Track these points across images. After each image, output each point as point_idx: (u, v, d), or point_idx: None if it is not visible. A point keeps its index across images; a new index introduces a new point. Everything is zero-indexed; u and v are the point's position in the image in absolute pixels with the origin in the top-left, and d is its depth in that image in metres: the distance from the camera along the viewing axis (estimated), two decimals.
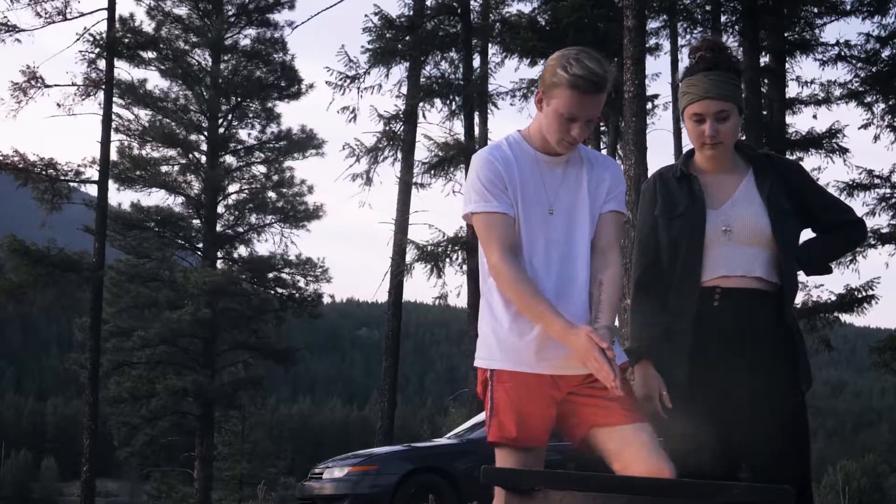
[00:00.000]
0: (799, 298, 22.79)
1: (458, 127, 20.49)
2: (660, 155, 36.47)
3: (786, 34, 22.63)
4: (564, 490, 2.22)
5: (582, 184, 3.01)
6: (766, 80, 22.33)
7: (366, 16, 20.47)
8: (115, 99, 23.14)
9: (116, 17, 22.99)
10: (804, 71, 40.71)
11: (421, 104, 20.58)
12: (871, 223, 25.25)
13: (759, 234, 3.21)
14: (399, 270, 20.29)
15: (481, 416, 12.02)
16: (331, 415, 49.86)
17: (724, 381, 3.13)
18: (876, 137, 24.22)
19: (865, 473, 63.16)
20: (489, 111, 20.19)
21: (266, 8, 23.91)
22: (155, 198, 24.30)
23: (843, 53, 23.30)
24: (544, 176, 2.97)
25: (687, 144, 3.45)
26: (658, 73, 22.96)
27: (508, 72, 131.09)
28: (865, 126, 24.22)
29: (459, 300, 20.94)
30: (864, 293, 22.42)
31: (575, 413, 2.95)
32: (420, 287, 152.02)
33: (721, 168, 3.32)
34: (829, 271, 3.54)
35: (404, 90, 20.77)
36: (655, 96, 21.83)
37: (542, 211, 2.94)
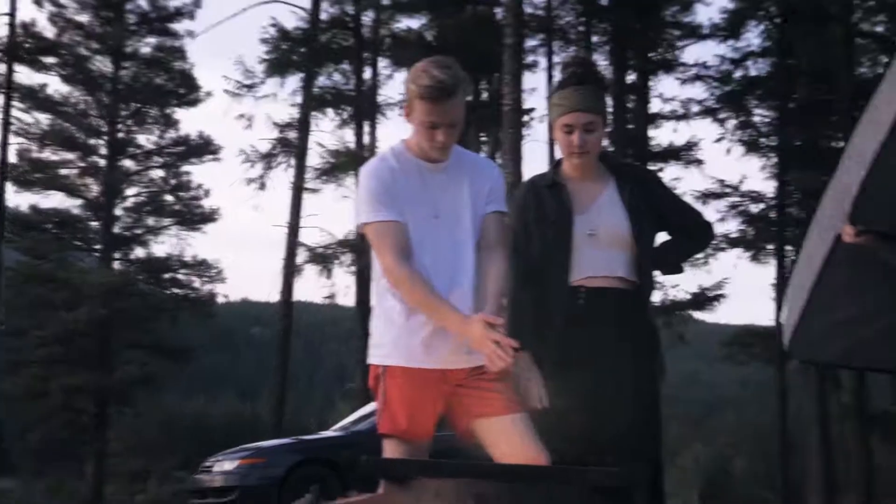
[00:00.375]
0: (657, 297, 23.98)
1: (349, 135, 20.88)
2: (535, 164, 37.36)
3: (650, 55, 23.58)
4: (439, 478, 2.20)
5: (463, 188, 3.02)
6: (631, 97, 23.30)
7: (263, 27, 20.74)
8: (14, 103, 22.73)
9: (18, 22, 22.55)
10: (666, 89, 41.50)
11: (314, 113, 20.86)
12: (721, 228, 26.42)
13: (621, 237, 3.29)
14: (290, 271, 20.54)
15: (366, 409, 12.25)
16: (224, 410, 49.06)
17: (589, 374, 3.19)
18: (728, 150, 25.22)
19: (714, 456, 65.83)
20: (379, 121, 20.59)
21: (167, 17, 23.68)
22: (53, 200, 23.86)
23: (700, 73, 24.31)
24: (427, 183, 2.99)
25: (559, 154, 3.56)
26: (534, 88, 23.39)
27: (397, 84, 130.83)
28: (719, 140, 25.21)
29: (348, 300, 21.22)
30: (714, 292, 23.92)
31: (461, 404, 2.99)
32: (310, 287, 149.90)
33: (587, 176, 3.38)
34: (682, 271, 3.71)
35: (299, 99, 20.94)
36: (532, 109, 22.23)
37: (427, 216, 2.96)
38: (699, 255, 24.49)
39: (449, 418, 3.04)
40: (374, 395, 3.01)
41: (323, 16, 20.73)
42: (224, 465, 11.29)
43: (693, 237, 3.66)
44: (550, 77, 21.85)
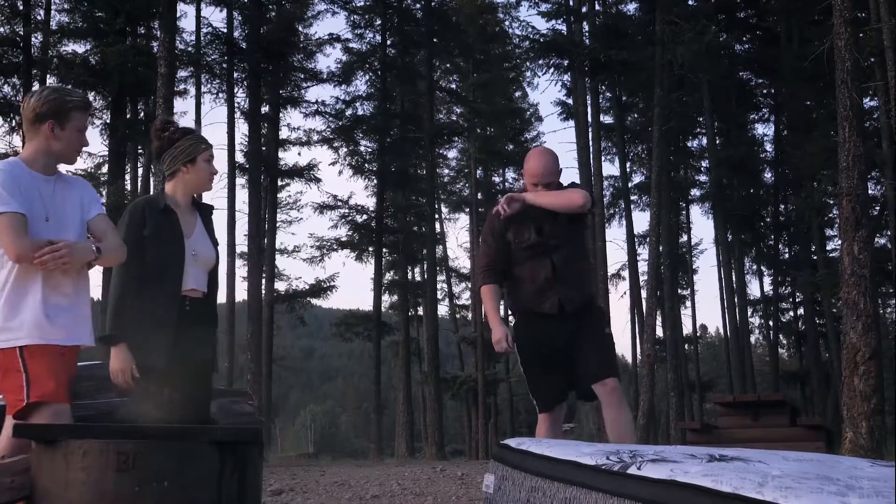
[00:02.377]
0: (282, 286, 25.03)
1: (17, 140, 19.64)
2: None
3: (280, 91, 24.09)
4: (84, 439, 2.09)
5: (68, 197, 2.99)
6: (264, 124, 23.59)
7: None
8: None
9: None
10: (293, 120, 42.61)
11: None
12: (333, 234, 28.03)
13: (209, 259, 3.46)
14: None
15: None
16: None
17: (193, 363, 3.36)
18: (340, 172, 27.27)
19: (325, 413, 68.66)
20: None
21: None
22: None
23: (320, 109, 25.42)
24: (41, 191, 2.92)
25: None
26: (185, 112, 23.28)
27: None
28: (334, 163, 26.69)
29: None
30: (328, 283, 25.03)
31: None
32: None
33: (188, 207, 3.46)
34: None
35: None
36: None
37: (39, 218, 2.88)
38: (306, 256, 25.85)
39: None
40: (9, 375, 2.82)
41: None
42: None
43: None
44: (198, 104, 21.80)
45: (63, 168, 3.13)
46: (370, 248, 25.58)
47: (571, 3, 23.58)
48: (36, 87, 19.95)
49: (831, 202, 19.98)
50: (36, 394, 2.78)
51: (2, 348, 2.83)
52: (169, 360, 3.25)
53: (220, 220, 22.34)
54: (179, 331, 3.30)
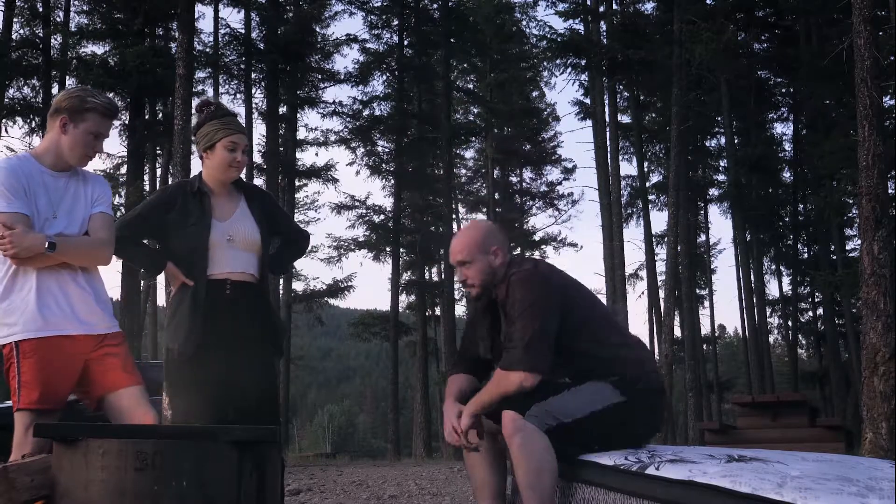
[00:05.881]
0: (299, 286, 25.13)
1: (37, 142, 19.86)
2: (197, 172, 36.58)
3: (298, 92, 24.06)
4: (104, 439, 2.09)
5: (80, 194, 2.99)
6: (282, 125, 23.77)
7: None
8: None
9: None
10: (310, 120, 42.65)
11: (4, 121, 19.68)
12: (350, 234, 28.11)
13: (253, 242, 3.31)
14: None
15: None
16: None
17: (225, 351, 3.20)
18: (357, 172, 26.86)
19: (343, 413, 68.81)
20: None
21: None
22: None
23: (337, 110, 25.49)
24: (48, 187, 2.92)
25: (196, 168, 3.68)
26: None
27: None
28: (351, 163, 26.83)
29: None
30: (345, 284, 25.12)
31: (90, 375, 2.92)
32: None
33: (225, 191, 3.37)
34: (286, 272, 4.03)
35: None
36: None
37: (47, 214, 2.89)
38: (310, 257, 25.91)
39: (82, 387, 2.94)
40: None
41: (14, 35, 19.51)
42: None
43: (295, 245, 3.71)
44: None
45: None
46: (387, 249, 25.58)
47: (589, 2, 23.52)
48: (56, 88, 20.25)
49: (851, 201, 19.79)
50: (23, 401, 2.76)
51: (0, 344, 2.85)
52: (199, 346, 3.15)
53: None
54: (218, 315, 3.20)
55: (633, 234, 66.84)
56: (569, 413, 2.82)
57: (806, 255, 27.32)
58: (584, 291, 3.15)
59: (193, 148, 3.53)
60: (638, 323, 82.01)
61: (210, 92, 22.44)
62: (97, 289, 3.02)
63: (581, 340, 2.97)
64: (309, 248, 3.85)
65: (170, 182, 17.53)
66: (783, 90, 27.07)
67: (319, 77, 25.15)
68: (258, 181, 23.16)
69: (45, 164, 2.94)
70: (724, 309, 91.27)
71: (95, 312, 2.95)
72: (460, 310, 25.98)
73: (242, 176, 3.58)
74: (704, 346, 28.85)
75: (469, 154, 32.55)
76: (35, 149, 3.01)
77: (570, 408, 2.84)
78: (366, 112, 26.13)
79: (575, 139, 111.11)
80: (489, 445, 3.08)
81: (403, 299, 26.96)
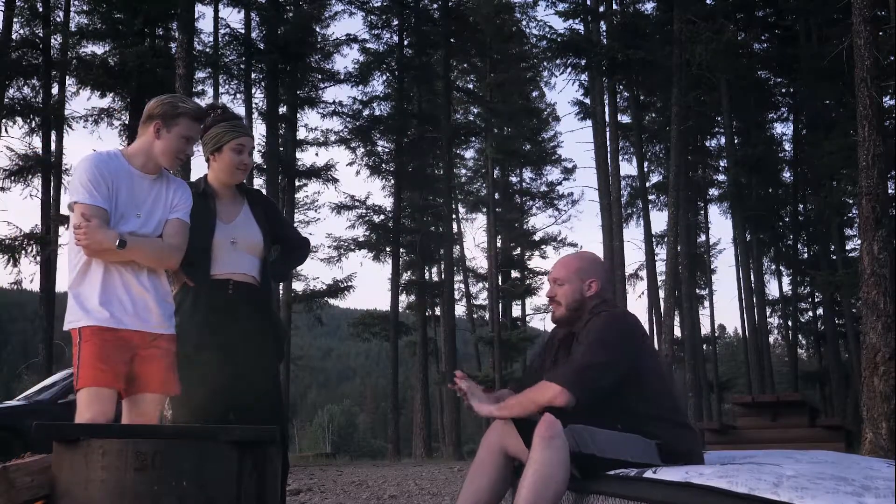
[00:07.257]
0: (299, 286, 25.12)
1: (37, 142, 19.90)
2: (200, 172, 36.60)
3: (298, 92, 24.08)
4: (104, 438, 2.08)
5: (161, 197, 3.06)
6: (282, 125, 23.71)
7: None
8: None
9: None
10: (310, 120, 42.57)
11: (4, 121, 19.69)
12: (350, 234, 28.09)
13: (256, 245, 3.35)
14: None
15: (47, 381, 11.73)
16: None
17: (226, 351, 3.20)
18: (357, 172, 26.84)
19: (343, 413, 68.75)
20: (65, 131, 19.72)
21: None
22: None
23: (337, 110, 25.52)
24: (133, 186, 3.01)
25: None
26: None
27: (83, 100, 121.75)
28: (351, 163, 26.76)
29: (33, 285, 20.04)
30: (345, 284, 24.84)
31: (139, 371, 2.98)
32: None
33: (230, 194, 3.41)
34: (286, 279, 4.00)
35: None
36: None
37: (130, 213, 2.98)
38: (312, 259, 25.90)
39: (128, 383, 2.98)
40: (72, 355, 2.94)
41: (14, 35, 19.52)
42: None
43: (295, 252, 3.73)
44: None
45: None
46: (387, 249, 25.57)
47: (589, 2, 23.51)
48: (55, 88, 20.27)
49: (851, 201, 19.82)
50: (81, 380, 2.87)
51: (67, 329, 2.96)
52: (200, 346, 3.17)
53: None
54: (219, 315, 3.22)
55: (633, 234, 66.59)
56: (603, 448, 2.80)
57: (806, 255, 27.33)
58: (659, 360, 3.18)
59: (196, 148, 3.47)
60: None
61: (210, 92, 22.43)
62: (159, 289, 3.08)
63: (641, 400, 2.97)
64: (309, 254, 3.88)
65: None
66: (783, 90, 27.10)
67: (319, 77, 25.18)
68: (258, 181, 23.16)
69: (135, 164, 3.04)
70: (724, 309, 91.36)
71: (152, 311, 3.02)
72: (460, 310, 26.05)
73: None
74: (704, 346, 28.86)
75: (469, 154, 32.62)
76: (126, 148, 3.12)
77: (609, 445, 2.82)
78: (366, 112, 26.21)
79: (575, 139, 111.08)
80: (502, 463, 3.05)
81: (403, 299, 26.99)
